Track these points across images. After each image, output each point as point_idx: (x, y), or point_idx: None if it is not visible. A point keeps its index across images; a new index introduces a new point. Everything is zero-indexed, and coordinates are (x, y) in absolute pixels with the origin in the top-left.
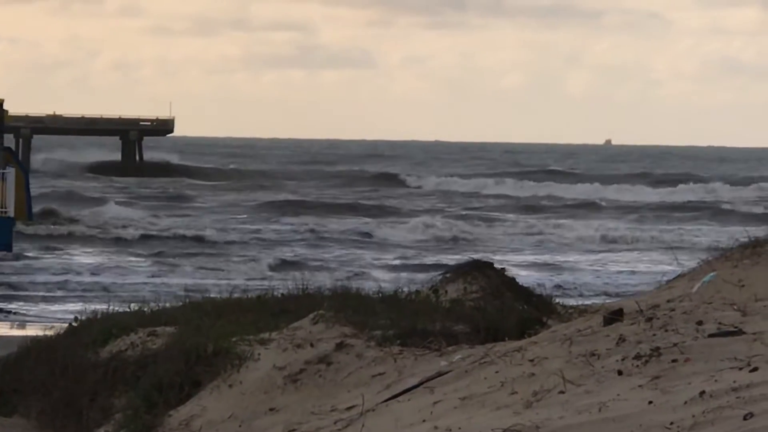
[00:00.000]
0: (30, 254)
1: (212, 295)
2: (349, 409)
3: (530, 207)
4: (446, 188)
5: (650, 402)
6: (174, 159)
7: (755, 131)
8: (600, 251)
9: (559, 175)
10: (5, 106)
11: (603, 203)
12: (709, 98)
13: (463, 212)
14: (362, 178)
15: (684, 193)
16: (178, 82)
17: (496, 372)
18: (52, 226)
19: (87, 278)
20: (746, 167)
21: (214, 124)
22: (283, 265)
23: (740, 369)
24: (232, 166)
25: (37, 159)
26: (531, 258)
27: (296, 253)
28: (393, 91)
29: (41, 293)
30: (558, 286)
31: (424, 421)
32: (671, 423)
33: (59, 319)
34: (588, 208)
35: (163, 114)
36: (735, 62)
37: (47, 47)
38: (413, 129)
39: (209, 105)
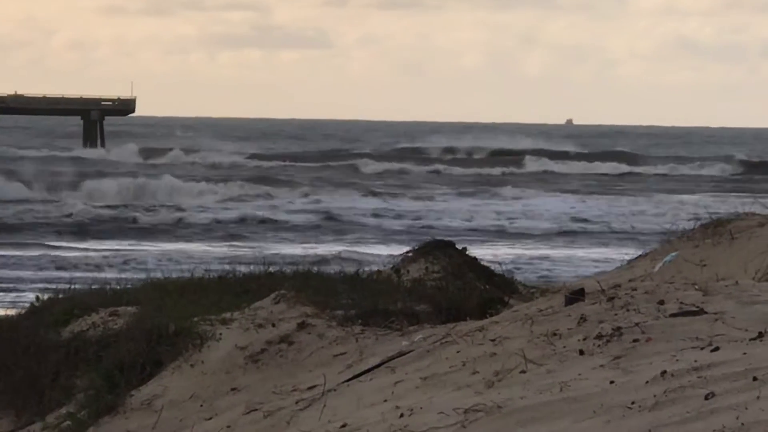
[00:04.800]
0: None
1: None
2: (310, 388)
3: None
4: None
5: (612, 382)
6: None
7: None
8: None
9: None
10: None
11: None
12: (666, 78)
13: None
14: None
15: None
16: (134, 61)
17: (458, 352)
18: None
19: None
20: None
21: (173, 103)
22: None
23: (702, 349)
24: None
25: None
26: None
27: None
28: (350, 71)
29: None
30: None
31: (385, 401)
32: (632, 403)
33: None
34: None
35: (124, 94)
36: (691, 42)
37: (3, 27)
38: (371, 109)
39: (167, 84)
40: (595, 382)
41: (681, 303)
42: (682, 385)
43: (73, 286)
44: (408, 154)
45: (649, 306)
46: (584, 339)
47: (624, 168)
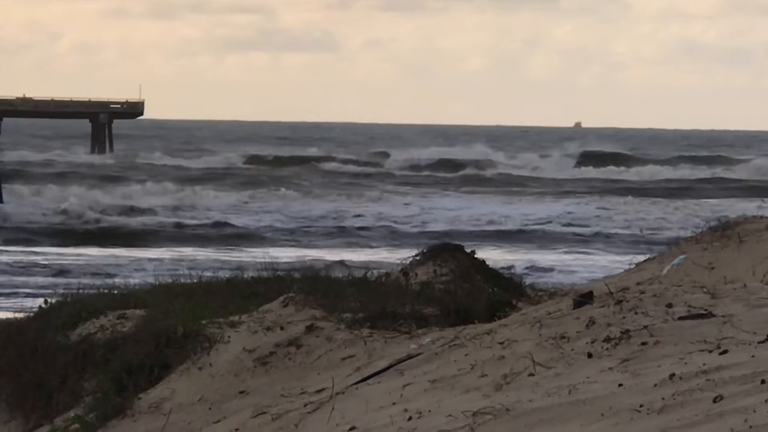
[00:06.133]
0: None
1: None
2: (318, 391)
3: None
4: None
5: (620, 384)
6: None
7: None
8: None
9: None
10: None
11: None
12: (672, 81)
13: None
14: None
15: None
16: (141, 65)
17: (466, 355)
18: None
19: None
20: None
21: (180, 106)
22: None
23: (710, 352)
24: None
25: None
26: None
27: None
28: (356, 74)
29: None
30: None
31: (393, 403)
32: (641, 405)
33: None
34: None
35: (131, 97)
36: (696, 45)
37: (8, 31)
38: (376, 112)
39: (173, 87)
40: (603, 385)
41: (689, 306)
42: (691, 388)
43: (81, 290)
44: (373, 158)
45: (657, 309)
46: (592, 342)
47: (623, 170)
